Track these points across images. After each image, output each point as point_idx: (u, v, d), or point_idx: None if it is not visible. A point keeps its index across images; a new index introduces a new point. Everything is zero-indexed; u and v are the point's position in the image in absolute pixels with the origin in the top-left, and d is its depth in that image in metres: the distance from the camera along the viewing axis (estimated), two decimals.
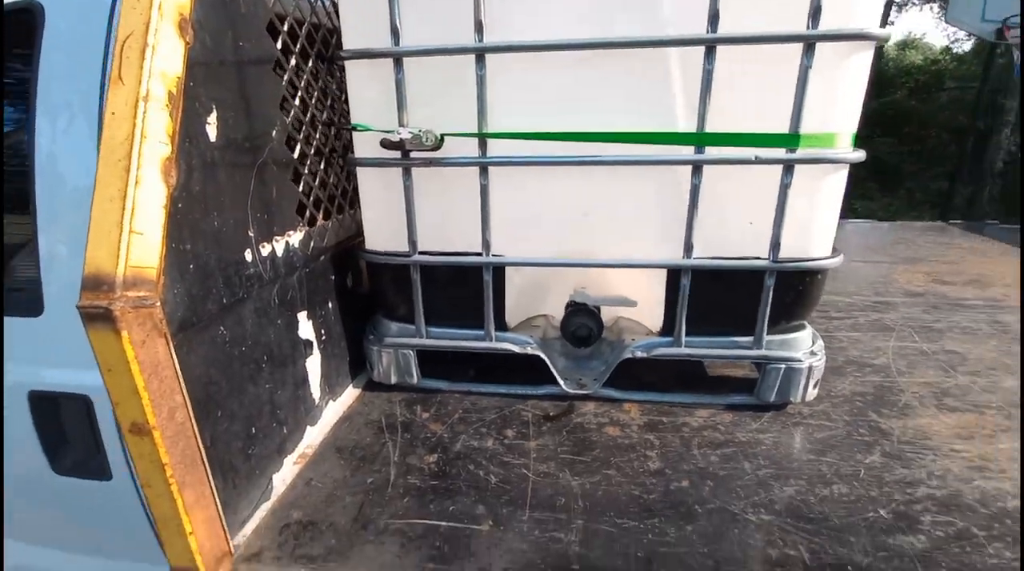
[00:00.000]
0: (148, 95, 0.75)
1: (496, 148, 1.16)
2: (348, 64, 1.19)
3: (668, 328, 1.28)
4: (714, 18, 1.01)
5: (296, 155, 1.19)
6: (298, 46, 1.21)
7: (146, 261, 0.74)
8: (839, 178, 1.14)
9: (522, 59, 1.10)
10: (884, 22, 1.12)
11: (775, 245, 1.15)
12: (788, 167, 1.09)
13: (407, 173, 1.19)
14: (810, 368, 1.25)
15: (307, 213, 1.23)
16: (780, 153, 1.08)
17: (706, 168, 1.11)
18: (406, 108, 1.14)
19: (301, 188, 1.20)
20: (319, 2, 1.33)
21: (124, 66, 0.74)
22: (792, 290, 1.21)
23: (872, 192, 10.49)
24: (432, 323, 1.36)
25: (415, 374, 1.40)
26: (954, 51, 14.89)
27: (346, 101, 1.26)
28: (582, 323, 1.32)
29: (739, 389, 1.35)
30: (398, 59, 1.11)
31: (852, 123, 1.10)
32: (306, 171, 1.23)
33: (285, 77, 1.16)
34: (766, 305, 1.20)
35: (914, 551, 0.88)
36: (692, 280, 1.20)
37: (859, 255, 2.62)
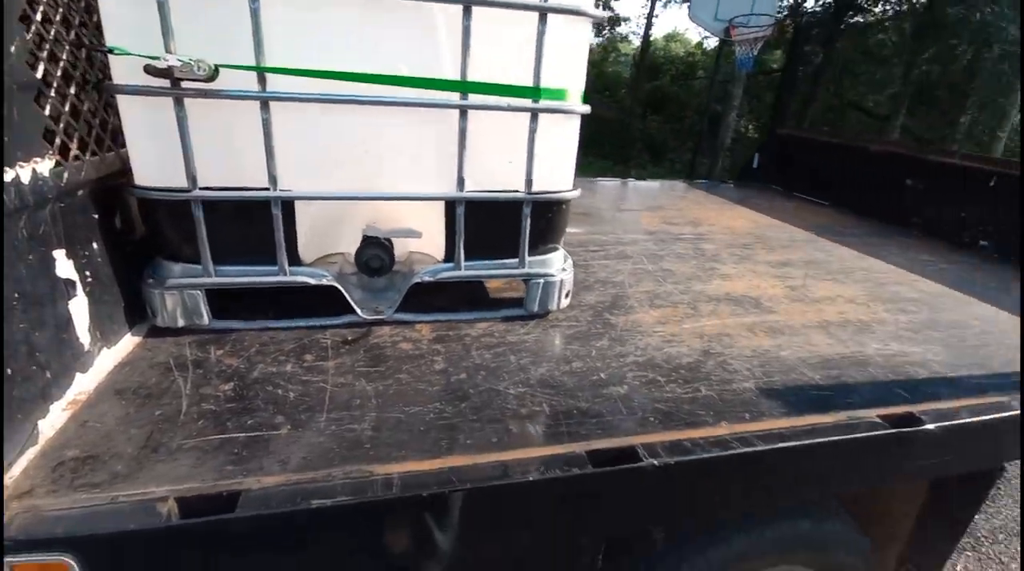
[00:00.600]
0: None
1: (277, 83, 1.20)
2: None
3: (449, 255, 1.49)
4: None
5: (40, 75, 1.08)
6: None
7: None
8: (573, 127, 1.44)
9: None
10: (604, 5, 1.43)
11: (528, 180, 1.41)
12: (534, 115, 1.34)
13: (179, 103, 1.17)
14: (562, 281, 1.57)
15: (57, 140, 1.12)
16: (527, 103, 1.33)
17: (471, 113, 1.31)
18: (172, 34, 1.11)
19: (48, 112, 1.10)
20: None
21: None
22: (544, 218, 1.51)
23: (645, 162, 12.47)
24: (221, 261, 1.35)
25: (205, 314, 1.38)
26: (703, 46, 17.96)
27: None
28: (374, 254, 1.45)
29: (512, 305, 1.63)
30: None
31: (580, 82, 1.40)
32: (52, 94, 1.12)
33: None
34: (526, 231, 1.47)
35: (618, 395, 1.23)
36: (466, 212, 1.41)
37: (619, 206, 3.22)
